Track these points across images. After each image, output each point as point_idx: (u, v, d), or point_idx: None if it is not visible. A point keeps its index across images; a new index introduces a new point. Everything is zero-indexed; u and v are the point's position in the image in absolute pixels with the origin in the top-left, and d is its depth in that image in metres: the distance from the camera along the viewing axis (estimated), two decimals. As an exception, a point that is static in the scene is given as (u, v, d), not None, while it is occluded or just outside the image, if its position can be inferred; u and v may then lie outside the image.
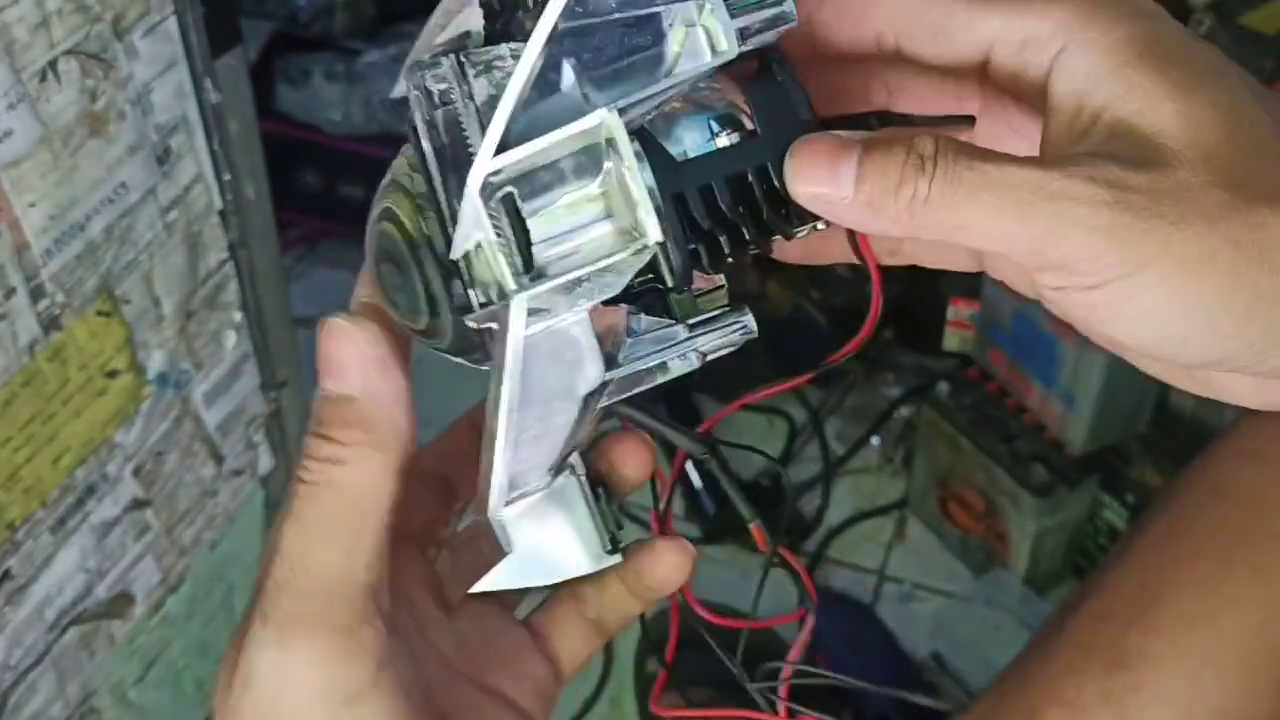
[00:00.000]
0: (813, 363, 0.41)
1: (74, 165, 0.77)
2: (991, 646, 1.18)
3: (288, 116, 1.52)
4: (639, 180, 0.33)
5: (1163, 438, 1.29)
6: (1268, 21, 1.15)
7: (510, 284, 0.32)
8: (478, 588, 0.37)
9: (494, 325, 0.34)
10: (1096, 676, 0.58)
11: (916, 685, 1.17)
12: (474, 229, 0.32)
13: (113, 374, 0.86)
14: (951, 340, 1.43)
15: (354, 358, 0.33)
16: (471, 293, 0.34)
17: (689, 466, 1.35)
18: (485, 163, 0.32)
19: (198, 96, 0.87)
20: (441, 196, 0.34)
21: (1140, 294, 0.31)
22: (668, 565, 0.39)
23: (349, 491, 0.33)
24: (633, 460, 0.40)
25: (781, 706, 0.40)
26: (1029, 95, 0.35)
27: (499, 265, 0.32)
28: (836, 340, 0.38)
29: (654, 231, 0.32)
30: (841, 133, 0.34)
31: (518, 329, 0.33)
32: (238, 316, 0.98)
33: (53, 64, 0.74)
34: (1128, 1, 0.33)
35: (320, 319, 0.34)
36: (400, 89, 0.37)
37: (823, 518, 1.38)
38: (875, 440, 1.50)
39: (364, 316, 0.34)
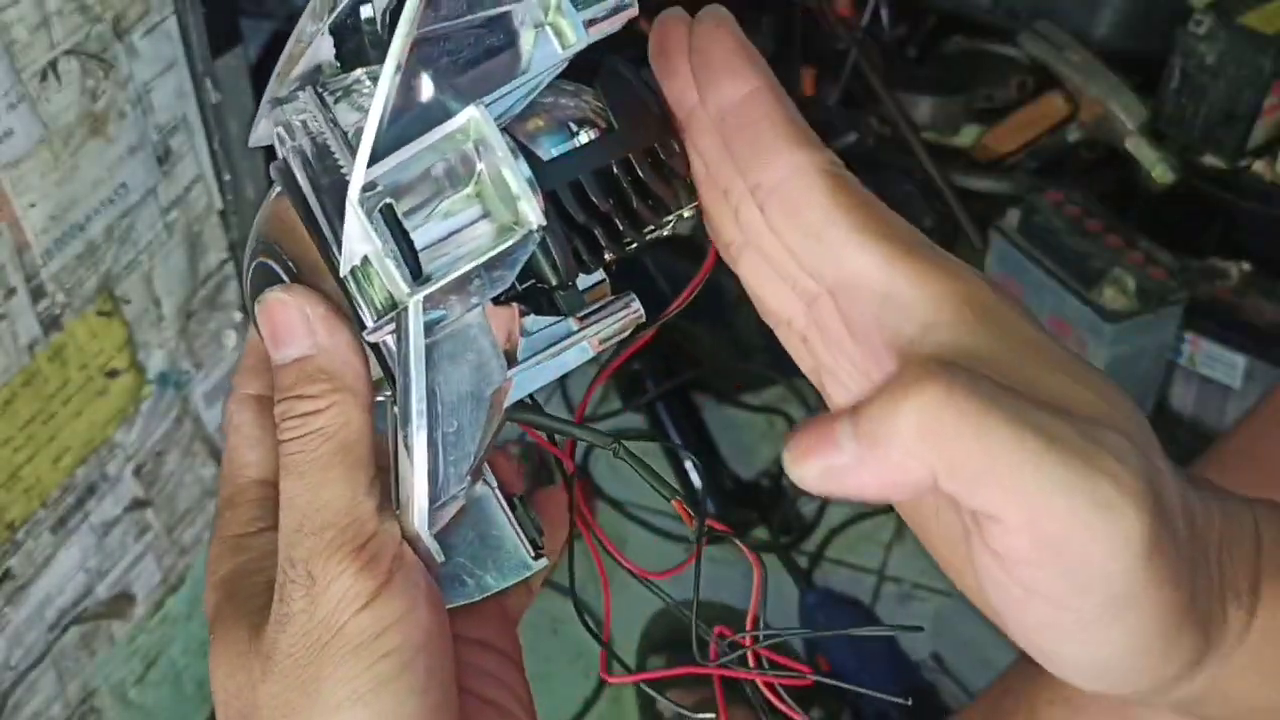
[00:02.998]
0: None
1: (74, 165, 0.77)
2: (991, 646, 1.18)
3: (288, 117, 1.52)
4: (516, 171, 0.33)
5: (1162, 438, 1.28)
6: (1268, 21, 1.15)
7: (402, 289, 0.33)
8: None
9: (390, 339, 0.35)
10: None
11: (916, 685, 1.17)
12: (359, 242, 0.33)
13: (113, 374, 0.86)
14: (951, 340, 1.42)
15: (299, 320, 0.35)
16: (363, 310, 0.34)
17: (689, 466, 1.35)
18: (361, 174, 0.32)
19: (198, 96, 0.87)
20: (324, 224, 0.35)
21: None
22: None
23: (332, 432, 0.35)
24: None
25: (759, 679, 0.40)
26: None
27: (389, 274, 0.33)
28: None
29: (535, 217, 0.33)
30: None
31: (417, 332, 0.34)
32: (238, 316, 0.98)
33: (53, 64, 0.74)
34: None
35: (254, 306, 0.36)
36: (258, 134, 0.38)
37: (823, 517, 1.38)
38: (875, 440, 1.49)
39: (297, 286, 0.36)
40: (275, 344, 0.36)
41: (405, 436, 0.35)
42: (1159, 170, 1.23)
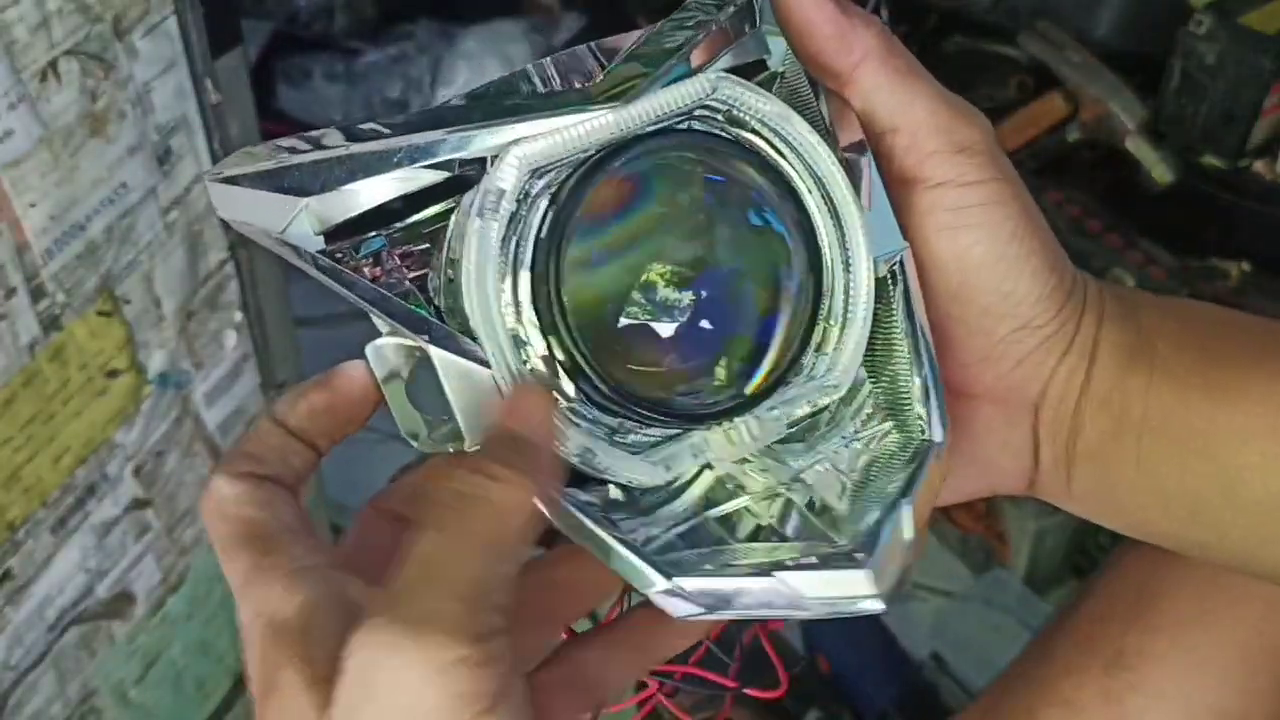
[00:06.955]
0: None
1: (74, 165, 0.77)
2: (991, 646, 1.18)
3: (288, 116, 1.52)
4: None
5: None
6: (1268, 21, 1.15)
7: (656, 582, 0.36)
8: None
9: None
10: (1096, 675, 0.58)
11: (916, 685, 1.17)
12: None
13: (113, 374, 0.86)
14: (951, 340, 1.42)
15: (541, 411, 0.36)
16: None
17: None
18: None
19: (198, 96, 0.87)
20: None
21: (1007, 202, 0.42)
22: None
23: (502, 508, 0.34)
24: None
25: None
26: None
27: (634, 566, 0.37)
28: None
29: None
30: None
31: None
32: (238, 316, 0.98)
33: (53, 64, 0.74)
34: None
35: (517, 384, 0.37)
36: None
37: (823, 518, 1.38)
38: (875, 440, 1.49)
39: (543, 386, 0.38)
40: (510, 417, 0.36)
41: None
42: (1159, 170, 1.23)
